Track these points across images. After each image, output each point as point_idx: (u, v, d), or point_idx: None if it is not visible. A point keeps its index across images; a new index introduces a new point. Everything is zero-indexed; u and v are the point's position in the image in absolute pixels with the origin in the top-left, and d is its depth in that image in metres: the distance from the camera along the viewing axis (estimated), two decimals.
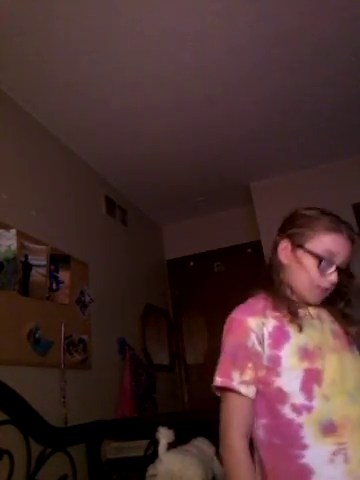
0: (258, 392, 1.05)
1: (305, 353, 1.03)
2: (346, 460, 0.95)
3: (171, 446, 1.73)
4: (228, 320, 1.12)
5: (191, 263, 4.08)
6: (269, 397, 1.04)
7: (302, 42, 2.20)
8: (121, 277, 3.17)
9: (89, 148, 2.88)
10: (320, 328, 1.09)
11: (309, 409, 0.99)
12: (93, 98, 2.43)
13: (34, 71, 2.19)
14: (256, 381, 1.04)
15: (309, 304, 1.13)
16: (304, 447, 0.97)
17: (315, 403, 0.99)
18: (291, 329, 1.05)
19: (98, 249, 2.93)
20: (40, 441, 1.89)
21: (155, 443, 1.75)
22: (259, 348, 1.05)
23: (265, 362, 1.05)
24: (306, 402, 1.00)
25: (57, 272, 2.35)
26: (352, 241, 1.12)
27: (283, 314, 1.07)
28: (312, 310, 1.12)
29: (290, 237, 1.14)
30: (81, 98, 2.42)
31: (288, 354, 1.03)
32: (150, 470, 1.67)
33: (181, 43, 2.13)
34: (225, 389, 1.05)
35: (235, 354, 1.06)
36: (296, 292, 1.12)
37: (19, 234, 2.07)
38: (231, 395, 1.04)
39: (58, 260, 2.37)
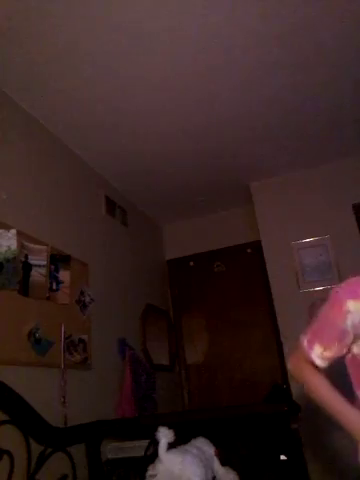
0: (352, 362, 1.20)
1: None
2: None
3: (171, 446, 1.73)
4: (333, 292, 1.19)
5: (191, 263, 4.08)
6: None
7: (302, 42, 2.20)
8: (121, 277, 3.17)
9: (89, 148, 2.88)
10: None
11: None
12: (93, 98, 2.43)
13: (34, 71, 2.19)
14: (339, 356, 1.18)
15: None
16: None
17: None
18: None
19: (98, 249, 2.93)
20: (40, 441, 1.89)
21: (155, 443, 1.75)
22: (350, 329, 1.14)
23: (356, 340, 1.16)
24: None
25: (57, 272, 2.35)
26: None
27: None
28: None
29: None
30: (81, 98, 2.42)
31: None
32: (150, 470, 1.67)
33: (182, 43, 2.13)
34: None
35: (326, 330, 1.18)
36: None
37: (19, 234, 2.08)
38: (308, 362, 1.21)
39: (58, 260, 2.37)
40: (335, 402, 1.17)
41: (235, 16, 2.00)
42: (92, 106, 2.50)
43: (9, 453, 1.69)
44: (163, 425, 1.75)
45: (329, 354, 1.18)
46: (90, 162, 3.03)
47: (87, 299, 2.59)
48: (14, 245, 2.03)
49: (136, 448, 2.16)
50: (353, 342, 1.16)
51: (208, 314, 3.82)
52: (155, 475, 1.64)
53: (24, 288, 2.07)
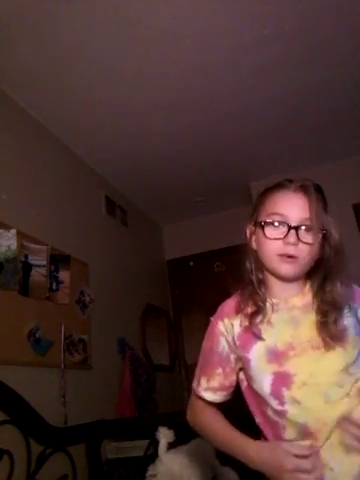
0: (247, 390, 1.04)
1: (274, 355, 0.96)
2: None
3: (171, 446, 1.73)
4: (210, 323, 1.11)
5: (191, 263, 4.08)
6: (256, 398, 1.01)
7: (303, 42, 2.20)
8: (121, 277, 3.17)
9: (89, 148, 2.88)
10: (299, 321, 0.98)
11: (284, 413, 0.94)
12: (93, 98, 2.43)
13: (35, 72, 2.19)
14: (230, 385, 1.04)
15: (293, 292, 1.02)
16: None
17: (287, 407, 0.94)
18: (261, 327, 0.98)
19: (98, 249, 2.93)
20: (40, 441, 1.90)
21: (155, 443, 1.75)
22: (229, 351, 1.03)
23: (239, 364, 1.03)
24: (279, 407, 0.95)
25: (57, 272, 2.35)
26: (305, 191, 0.99)
27: (250, 312, 1.00)
28: (298, 299, 1.01)
29: (252, 221, 1.07)
30: (82, 98, 2.42)
31: (256, 357, 0.98)
32: (150, 470, 1.67)
33: (182, 43, 2.13)
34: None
35: (207, 360, 1.06)
36: (269, 269, 1.01)
37: (19, 234, 2.08)
38: (199, 400, 1.07)
39: (58, 260, 2.37)
40: (226, 432, 1.02)
41: (236, 16, 2.00)
42: (93, 107, 2.50)
43: (9, 453, 1.69)
44: (163, 425, 1.75)
45: (215, 384, 1.03)
46: (90, 162, 3.03)
47: (87, 299, 2.59)
48: (14, 245, 2.03)
49: (136, 448, 2.16)
50: (241, 368, 1.03)
51: (208, 314, 3.80)
52: (155, 475, 1.64)
53: (24, 288, 2.07)
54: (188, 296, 4.03)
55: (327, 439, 0.91)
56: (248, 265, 1.06)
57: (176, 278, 4.12)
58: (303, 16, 2.04)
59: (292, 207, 0.98)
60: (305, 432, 0.92)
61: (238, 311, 1.03)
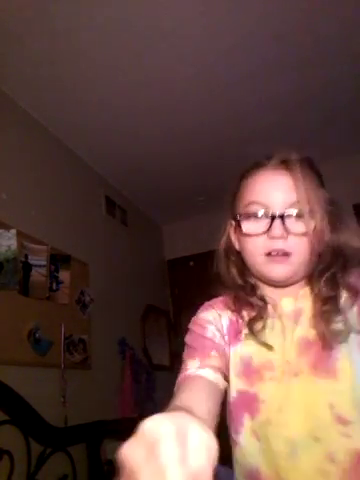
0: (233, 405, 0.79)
1: (246, 368, 0.76)
2: None
3: None
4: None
5: (191, 263, 4.08)
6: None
7: (302, 42, 2.20)
8: (121, 277, 3.17)
9: (89, 148, 2.88)
10: (285, 335, 0.75)
11: (236, 443, 0.75)
12: (94, 98, 2.43)
13: (35, 72, 2.19)
14: (227, 372, 0.79)
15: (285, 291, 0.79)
16: None
17: (241, 439, 0.73)
18: (244, 329, 0.79)
19: (98, 249, 2.93)
20: (40, 441, 1.89)
21: None
22: (221, 341, 0.80)
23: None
24: (234, 434, 0.75)
25: (57, 272, 2.35)
26: (288, 167, 0.76)
27: (248, 318, 0.79)
28: (289, 302, 0.78)
29: (232, 217, 0.85)
30: (82, 98, 2.42)
31: (232, 361, 0.79)
32: None
33: (182, 43, 2.13)
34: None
35: (194, 347, 0.82)
36: (257, 274, 0.80)
37: (19, 234, 2.08)
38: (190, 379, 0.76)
39: (58, 260, 2.37)
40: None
41: (235, 16, 2.00)
42: (93, 107, 2.50)
43: (9, 453, 1.69)
44: None
45: (214, 363, 0.76)
46: (90, 162, 3.02)
47: (87, 299, 2.59)
48: (14, 245, 2.03)
49: None
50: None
51: None
52: None
53: (24, 288, 2.07)
54: (188, 296, 4.01)
55: None
56: (233, 271, 0.86)
57: (176, 278, 4.12)
58: (302, 15, 2.03)
59: (273, 191, 0.75)
60: (253, 478, 0.72)
61: (226, 306, 0.84)
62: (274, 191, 0.75)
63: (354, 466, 0.62)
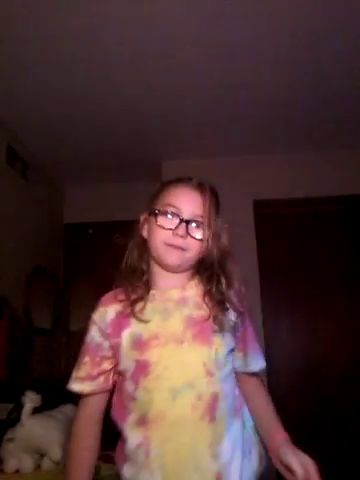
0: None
1: (138, 342, 0.99)
2: (146, 454, 0.94)
3: (38, 411, 1.69)
4: None
5: (90, 230, 3.98)
6: (119, 378, 1.06)
7: (295, 38, 2.22)
8: (12, 233, 2.98)
9: None
10: (170, 314, 1.01)
11: (133, 399, 0.99)
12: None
13: None
14: (98, 374, 1.04)
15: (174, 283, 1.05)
16: (126, 433, 1.00)
17: (137, 394, 0.98)
18: (132, 316, 1.02)
19: None
20: None
21: (20, 407, 1.70)
22: (100, 339, 1.04)
23: (111, 352, 1.04)
24: (132, 393, 0.99)
25: None
26: (201, 190, 1.03)
27: (132, 299, 1.03)
28: (176, 292, 1.04)
29: (148, 210, 1.11)
30: None
31: (125, 342, 1.00)
32: (8, 434, 1.62)
33: (181, 44, 2.05)
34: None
35: (81, 350, 1.07)
36: (155, 257, 1.05)
37: None
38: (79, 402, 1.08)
39: None
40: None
41: (233, 16, 1.96)
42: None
43: None
44: (34, 389, 1.70)
45: (82, 373, 1.04)
46: None
47: None
48: None
49: (2, 411, 2.07)
50: (116, 359, 1.04)
51: (99, 285, 3.72)
52: (13, 439, 1.59)
53: None
54: (82, 263, 3.94)
55: (157, 431, 0.94)
56: (134, 253, 1.09)
57: (72, 243, 3.99)
58: (296, 12, 2.04)
59: (187, 202, 1.03)
60: (141, 421, 0.97)
61: (115, 299, 1.06)
62: (188, 202, 1.03)
63: (212, 401, 0.96)
